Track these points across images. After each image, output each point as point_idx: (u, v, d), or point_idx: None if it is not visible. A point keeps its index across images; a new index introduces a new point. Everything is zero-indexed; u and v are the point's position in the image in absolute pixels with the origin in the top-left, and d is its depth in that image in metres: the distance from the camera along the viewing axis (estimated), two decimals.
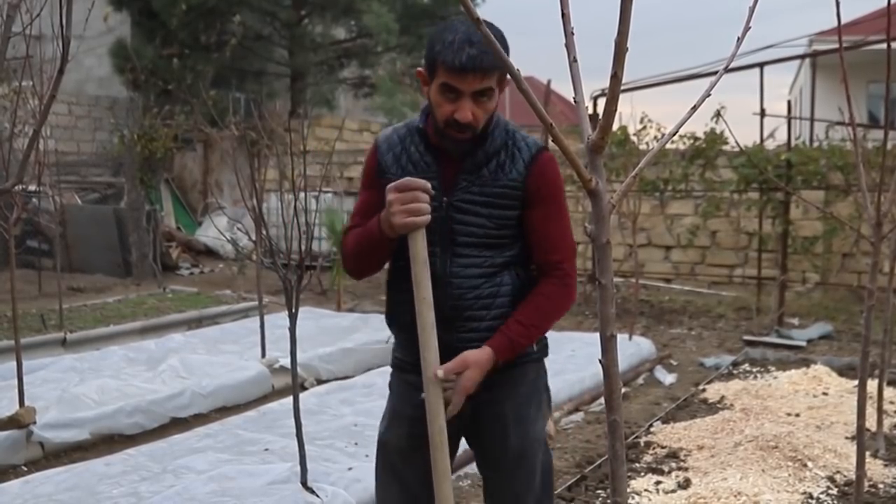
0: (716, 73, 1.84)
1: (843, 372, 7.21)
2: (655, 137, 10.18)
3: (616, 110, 1.49)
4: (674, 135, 1.77)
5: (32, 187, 11.59)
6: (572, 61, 1.49)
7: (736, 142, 5.44)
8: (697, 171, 10.63)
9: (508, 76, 2.36)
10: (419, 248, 2.51)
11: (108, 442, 5.94)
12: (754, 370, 7.64)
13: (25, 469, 5.36)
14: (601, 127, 1.49)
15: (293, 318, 4.46)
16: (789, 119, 10.60)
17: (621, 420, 1.54)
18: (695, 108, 1.73)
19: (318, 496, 4.47)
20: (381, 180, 2.70)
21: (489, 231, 2.71)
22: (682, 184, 10.86)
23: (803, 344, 8.80)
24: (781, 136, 10.77)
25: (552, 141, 1.53)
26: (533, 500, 2.88)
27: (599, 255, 1.53)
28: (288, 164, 4.63)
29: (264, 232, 4.92)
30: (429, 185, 2.54)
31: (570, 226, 2.79)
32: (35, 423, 5.75)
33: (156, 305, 10.53)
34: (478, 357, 2.61)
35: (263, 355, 7.43)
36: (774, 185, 9.57)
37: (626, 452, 5.21)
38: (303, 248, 4.39)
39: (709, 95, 1.69)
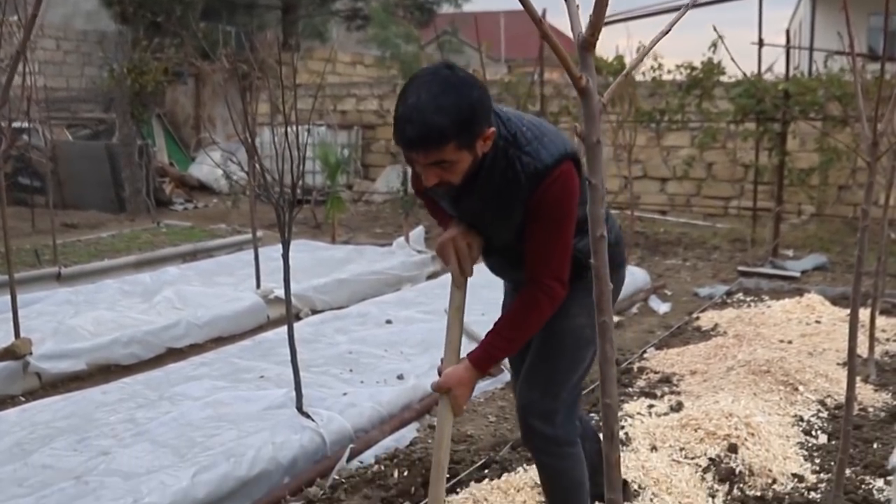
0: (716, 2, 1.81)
1: (837, 301, 7.24)
2: (652, 67, 10.08)
3: (606, 4, 1.45)
4: (655, 44, 1.74)
5: (22, 123, 11.51)
6: None
7: (735, 64, 5.39)
8: (694, 102, 10.54)
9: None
10: (452, 296, 2.92)
11: (104, 372, 5.97)
12: (748, 299, 7.67)
13: (23, 399, 5.39)
14: (592, 23, 1.46)
15: (286, 244, 4.44)
16: (788, 49, 10.47)
17: (611, 321, 1.53)
18: (678, 19, 1.69)
19: (313, 420, 4.50)
20: None
21: (507, 240, 2.85)
22: (678, 115, 10.78)
23: (797, 275, 8.82)
24: (780, 70, 10.67)
25: (543, 38, 1.49)
26: (551, 370, 2.95)
27: (590, 155, 1.51)
28: (280, 98, 4.57)
29: (257, 165, 4.87)
30: (458, 238, 2.83)
31: (565, 246, 2.72)
32: (31, 354, 5.78)
33: (150, 240, 10.50)
34: (459, 375, 2.78)
35: (258, 286, 7.44)
36: (771, 115, 9.49)
37: (619, 377, 5.26)
38: (295, 176, 4.36)
39: (695, 4, 1.65)
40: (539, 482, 3.75)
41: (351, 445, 4.50)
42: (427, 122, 2.41)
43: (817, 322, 6.58)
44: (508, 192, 2.67)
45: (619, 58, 10.20)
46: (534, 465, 3.97)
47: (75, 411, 4.82)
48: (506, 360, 3.26)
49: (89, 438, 4.42)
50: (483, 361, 2.80)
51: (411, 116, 2.43)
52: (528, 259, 2.76)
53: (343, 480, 4.29)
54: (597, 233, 1.52)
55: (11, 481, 3.95)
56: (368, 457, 4.53)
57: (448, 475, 4.17)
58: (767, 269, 9.01)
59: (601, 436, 2.07)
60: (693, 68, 10.33)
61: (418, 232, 9.79)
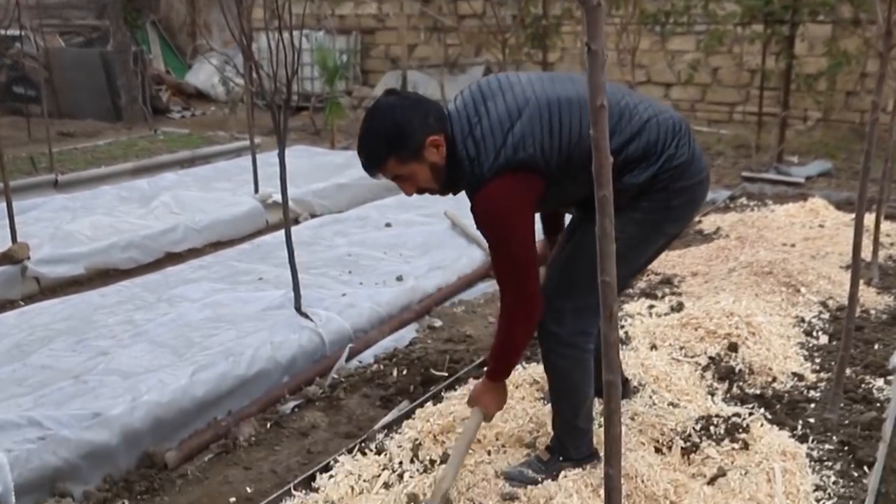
0: None
1: (841, 206, 7.15)
2: None
3: None
4: None
5: (14, 31, 11.27)
6: None
7: None
8: (700, 4, 10.25)
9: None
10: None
11: (103, 276, 5.95)
12: (751, 204, 7.59)
13: (22, 303, 5.38)
14: None
15: (282, 142, 4.36)
16: None
17: (610, 195, 1.46)
18: None
19: (311, 320, 4.49)
20: None
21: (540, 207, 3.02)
22: (683, 17, 10.48)
23: (802, 180, 8.71)
24: None
25: None
26: (567, 274, 3.00)
27: (589, 19, 1.42)
28: (276, 1, 4.43)
29: (254, 72, 4.74)
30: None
31: (514, 256, 2.80)
32: (29, 258, 5.75)
33: (147, 147, 10.38)
34: (479, 390, 3.10)
35: (256, 191, 7.37)
36: (780, 17, 9.23)
37: None
38: (289, 74, 4.26)
39: None
40: (536, 380, 3.77)
41: (350, 345, 4.50)
42: (365, 148, 2.83)
43: (821, 226, 6.51)
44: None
45: None
46: (532, 364, 3.99)
47: (74, 313, 4.81)
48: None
49: (88, 339, 4.42)
50: (493, 373, 3.05)
51: (359, 147, 2.85)
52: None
53: (342, 379, 4.29)
54: (596, 102, 1.44)
55: (11, 381, 3.95)
56: (367, 357, 4.53)
57: (446, 374, 4.20)
58: (771, 175, 8.89)
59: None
60: None
61: None
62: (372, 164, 2.84)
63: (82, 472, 3.42)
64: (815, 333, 4.51)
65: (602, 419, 1.68)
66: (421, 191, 2.92)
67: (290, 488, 3.16)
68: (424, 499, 2.92)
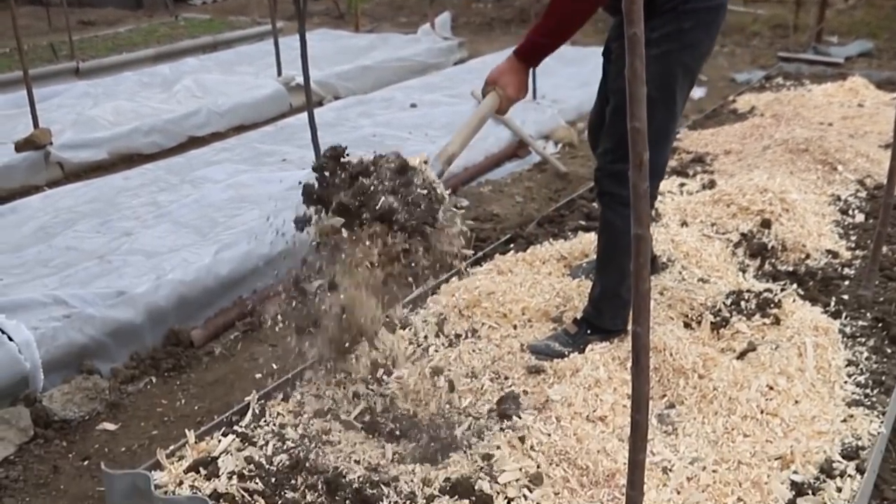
0: None
1: (882, 85, 6.89)
2: None
3: None
4: None
5: None
6: None
7: None
8: None
9: None
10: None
11: (126, 161, 5.92)
12: (788, 83, 7.34)
13: (47, 189, 5.36)
14: None
15: (302, 19, 4.21)
16: None
17: (641, 34, 1.35)
18: None
19: None
20: None
21: None
22: None
23: (841, 61, 8.40)
24: None
25: None
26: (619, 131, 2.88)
27: None
28: None
29: None
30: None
31: None
32: (51, 143, 5.71)
33: (168, 33, 10.22)
34: (501, 67, 2.91)
35: (279, 74, 7.23)
36: None
37: None
38: None
39: None
40: (563, 255, 3.71)
41: None
42: None
43: (860, 105, 6.29)
44: None
45: None
46: (560, 241, 3.92)
47: (97, 196, 4.78)
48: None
49: (112, 221, 4.39)
50: (522, 48, 2.88)
51: None
52: None
53: None
54: None
55: (36, 262, 3.95)
56: None
57: (472, 251, 4.14)
58: (809, 55, 8.59)
59: None
60: None
61: (444, 18, 9.39)
62: None
63: (109, 350, 3.44)
64: (851, 211, 4.39)
65: None
66: None
67: (314, 362, 3.14)
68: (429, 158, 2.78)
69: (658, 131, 2.87)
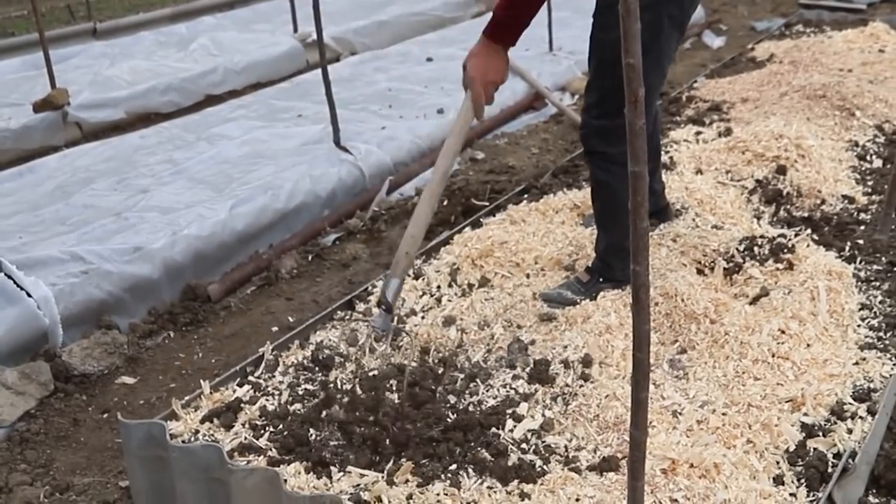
0: None
1: None
2: None
3: None
4: None
5: None
6: None
7: None
8: None
9: None
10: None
11: (143, 120, 5.96)
12: (808, 30, 7.22)
13: (65, 149, 5.40)
14: None
15: None
16: None
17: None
18: None
19: (351, 154, 4.44)
20: None
21: None
22: None
23: (863, 7, 8.23)
24: None
25: None
26: (600, 88, 2.92)
27: None
28: None
29: None
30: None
31: None
32: (69, 104, 5.75)
33: None
34: (470, 52, 2.85)
35: (296, 31, 7.21)
36: None
37: (666, 107, 5.04)
38: None
39: None
40: (576, 204, 3.71)
41: (390, 178, 4.45)
42: None
43: (881, 51, 6.17)
44: None
45: None
46: (573, 190, 3.92)
47: (114, 155, 4.82)
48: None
49: (128, 179, 4.44)
50: (490, 28, 2.83)
51: None
52: None
53: (383, 212, 4.27)
54: None
55: (55, 220, 4.00)
56: (409, 189, 4.49)
57: (487, 202, 4.15)
58: (831, 2, 8.43)
59: None
60: None
61: None
62: None
63: (127, 305, 3.49)
64: (868, 157, 4.34)
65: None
66: None
67: (330, 312, 3.17)
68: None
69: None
